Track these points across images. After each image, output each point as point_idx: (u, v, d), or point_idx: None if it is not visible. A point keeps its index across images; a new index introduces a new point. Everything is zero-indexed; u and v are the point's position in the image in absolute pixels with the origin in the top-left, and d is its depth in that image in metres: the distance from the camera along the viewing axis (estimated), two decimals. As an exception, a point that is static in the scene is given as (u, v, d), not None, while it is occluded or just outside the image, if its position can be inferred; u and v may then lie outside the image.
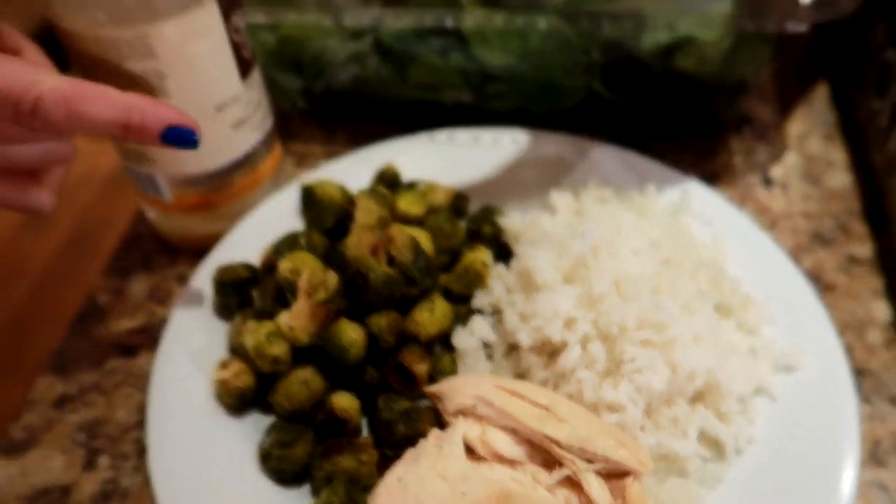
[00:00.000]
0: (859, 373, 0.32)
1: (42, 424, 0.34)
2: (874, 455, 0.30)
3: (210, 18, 0.31)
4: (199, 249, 0.40)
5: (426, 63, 0.42)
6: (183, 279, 0.40)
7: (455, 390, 0.29)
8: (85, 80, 0.25)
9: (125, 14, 0.29)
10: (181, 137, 0.26)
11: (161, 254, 0.41)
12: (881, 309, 0.35)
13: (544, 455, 0.27)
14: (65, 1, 0.29)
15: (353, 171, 0.41)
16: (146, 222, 0.42)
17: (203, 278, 0.36)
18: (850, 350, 0.33)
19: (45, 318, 1.68)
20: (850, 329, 0.34)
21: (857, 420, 0.29)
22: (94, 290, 0.39)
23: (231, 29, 0.33)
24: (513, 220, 0.36)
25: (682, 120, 0.44)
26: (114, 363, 0.36)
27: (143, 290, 0.39)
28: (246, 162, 0.37)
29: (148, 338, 0.37)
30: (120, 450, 0.33)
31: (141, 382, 0.35)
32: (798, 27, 0.34)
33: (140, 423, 0.33)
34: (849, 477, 0.27)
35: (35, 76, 0.24)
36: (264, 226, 0.38)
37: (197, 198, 0.37)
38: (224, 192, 0.38)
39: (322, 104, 0.47)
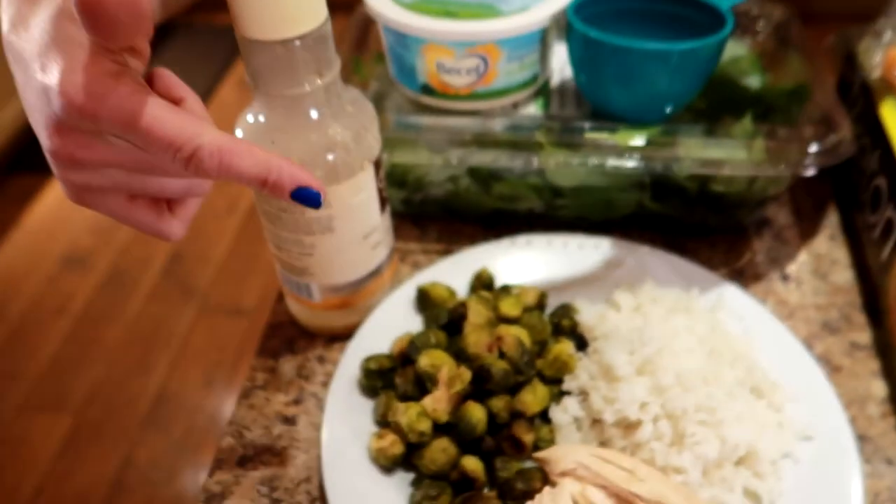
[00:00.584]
0: (861, 439, 0.42)
1: (231, 480, 0.44)
2: (874, 504, 0.40)
3: (368, 177, 0.42)
4: (332, 335, 0.51)
5: (507, 181, 0.53)
6: (321, 360, 0.50)
7: (559, 457, 0.39)
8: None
9: (315, 181, 0.40)
10: (309, 197, 0.30)
11: (300, 338, 0.52)
12: (878, 387, 0.45)
13: (629, 506, 0.37)
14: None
15: (453, 271, 0.51)
16: (285, 311, 0.53)
17: (348, 363, 0.46)
18: (854, 421, 0.43)
19: (87, 355, 1.79)
20: (853, 403, 0.44)
21: (860, 477, 0.38)
22: (252, 370, 0.50)
23: (378, 180, 0.44)
24: (586, 316, 0.47)
25: (713, 225, 0.55)
26: (279, 430, 0.46)
27: (292, 369, 0.50)
28: (377, 271, 0.48)
29: (303, 409, 0.47)
30: (295, 499, 0.43)
31: (303, 445, 0.45)
32: (808, 171, 0.45)
33: (308, 479, 0.44)
34: (854, 521, 0.37)
35: (197, 129, 0.28)
36: (387, 319, 0.49)
37: (338, 299, 0.48)
38: (358, 294, 0.48)
39: (418, 209, 0.58)
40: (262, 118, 0.40)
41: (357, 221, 0.44)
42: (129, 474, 1.34)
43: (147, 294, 1.71)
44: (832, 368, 0.46)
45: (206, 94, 2.29)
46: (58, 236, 1.86)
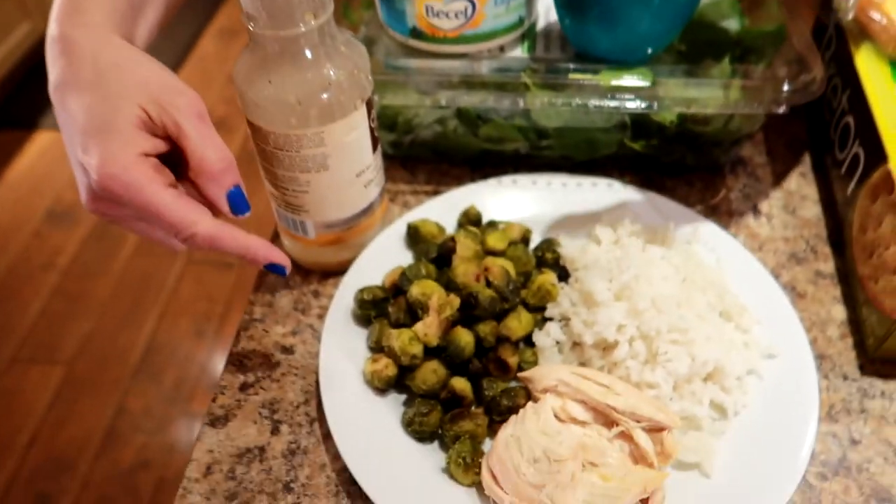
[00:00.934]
0: (821, 357, 0.46)
1: (234, 404, 0.47)
2: (829, 414, 0.43)
3: (361, 116, 0.44)
4: (325, 271, 0.53)
5: (494, 123, 0.55)
6: (317, 294, 0.53)
7: (542, 375, 0.42)
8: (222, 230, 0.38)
9: (311, 120, 0.42)
10: (276, 270, 0.41)
11: (296, 274, 0.54)
12: (839, 311, 0.48)
13: (605, 418, 0.40)
14: (266, 115, 0.42)
15: (442, 209, 0.54)
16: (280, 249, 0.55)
17: (343, 295, 0.48)
18: (814, 342, 0.46)
19: (76, 308, 1.81)
20: (815, 326, 0.47)
21: (817, 391, 0.42)
22: (251, 304, 0.52)
23: (370, 120, 0.46)
24: (568, 249, 0.49)
25: (691, 163, 0.57)
26: (278, 358, 0.49)
27: (289, 303, 0.52)
28: (369, 209, 0.50)
29: (300, 339, 0.50)
30: (295, 420, 0.46)
31: (301, 372, 0.48)
32: (780, 109, 0.47)
33: (306, 401, 0.46)
34: (812, 429, 0.40)
35: (196, 217, 0.37)
36: (379, 254, 0.51)
37: (332, 236, 0.50)
38: (352, 231, 0.50)
39: (407, 151, 0.60)
40: (258, 59, 0.41)
41: (350, 160, 0.45)
42: (122, 423, 1.37)
43: (133, 247, 1.71)
44: (797, 295, 0.49)
45: (186, 47, 2.26)
46: (42, 191, 1.85)
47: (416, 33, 0.54)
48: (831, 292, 0.49)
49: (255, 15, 0.39)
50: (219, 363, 1.46)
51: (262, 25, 0.39)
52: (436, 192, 0.58)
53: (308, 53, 0.40)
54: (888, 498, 0.39)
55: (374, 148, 0.47)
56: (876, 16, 0.54)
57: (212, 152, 0.38)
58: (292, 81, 0.41)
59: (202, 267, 1.70)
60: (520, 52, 0.57)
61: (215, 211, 0.39)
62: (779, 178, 0.57)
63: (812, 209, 0.54)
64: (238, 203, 0.39)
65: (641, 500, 0.37)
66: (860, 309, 0.47)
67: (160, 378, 1.45)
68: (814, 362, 0.43)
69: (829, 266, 0.51)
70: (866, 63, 0.53)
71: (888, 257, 0.43)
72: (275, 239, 0.56)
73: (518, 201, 0.54)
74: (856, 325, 0.47)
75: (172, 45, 2.25)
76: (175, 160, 0.39)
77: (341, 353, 0.46)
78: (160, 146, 0.38)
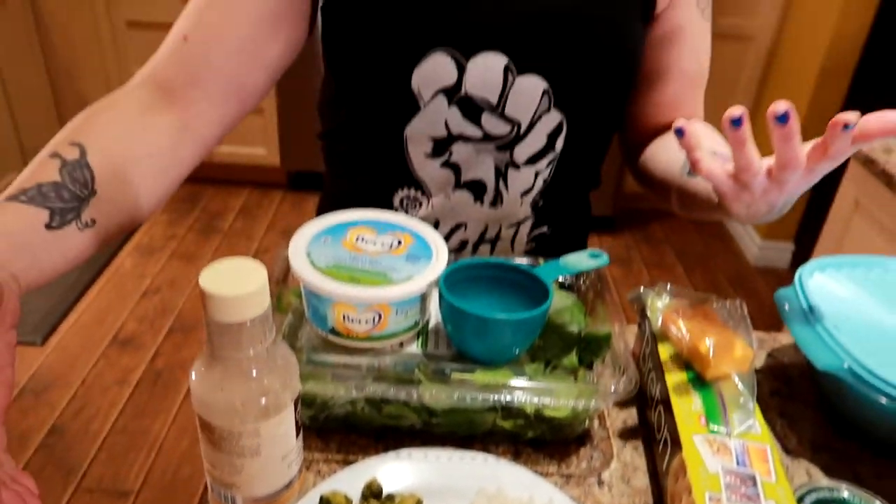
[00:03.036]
0: None
1: None
2: None
3: (290, 412, 0.57)
4: (246, 536, 0.62)
5: (395, 405, 0.69)
6: (236, 559, 0.60)
7: None
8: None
9: (249, 418, 0.54)
10: None
11: (218, 539, 0.62)
12: (661, 570, 0.61)
13: None
14: (216, 413, 0.54)
15: (350, 480, 0.65)
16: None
17: (261, 563, 0.57)
18: None
19: None
20: (644, 585, 0.60)
21: None
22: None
23: (296, 413, 0.58)
24: (452, 518, 0.61)
25: (549, 438, 0.72)
26: None
27: (210, 568, 0.59)
28: (290, 484, 0.61)
29: None
30: None
31: None
32: (609, 405, 0.63)
33: None
34: None
35: None
36: (295, 521, 0.61)
37: (256, 506, 0.60)
38: (275, 503, 0.60)
39: (321, 424, 0.72)
40: (213, 370, 0.54)
41: (279, 447, 0.57)
42: None
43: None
44: (630, 557, 0.62)
45: (103, 260, 2.35)
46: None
47: (334, 332, 0.69)
48: (655, 556, 0.62)
49: (217, 341, 0.52)
50: None
51: (220, 349, 0.52)
52: (346, 461, 0.69)
53: (253, 371, 0.54)
54: None
55: (298, 433, 0.59)
56: (673, 328, 0.74)
57: None
58: (239, 390, 0.53)
59: (93, 496, 1.65)
60: (415, 347, 0.72)
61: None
62: (617, 451, 0.72)
63: (642, 479, 0.69)
64: None
65: None
66: (675, 569, 0.60)
67: None
68: None
69: (654, 531, 0.64)
70: (669, 364, 0.72)
71: (688, 529, 0.58)
72: (205, 494, 0.64)
73: (412, 472, 0.66)
74: (673, 583, 0.60)
75: (89, 259, 2.34)
76: None
77: None
78: None
